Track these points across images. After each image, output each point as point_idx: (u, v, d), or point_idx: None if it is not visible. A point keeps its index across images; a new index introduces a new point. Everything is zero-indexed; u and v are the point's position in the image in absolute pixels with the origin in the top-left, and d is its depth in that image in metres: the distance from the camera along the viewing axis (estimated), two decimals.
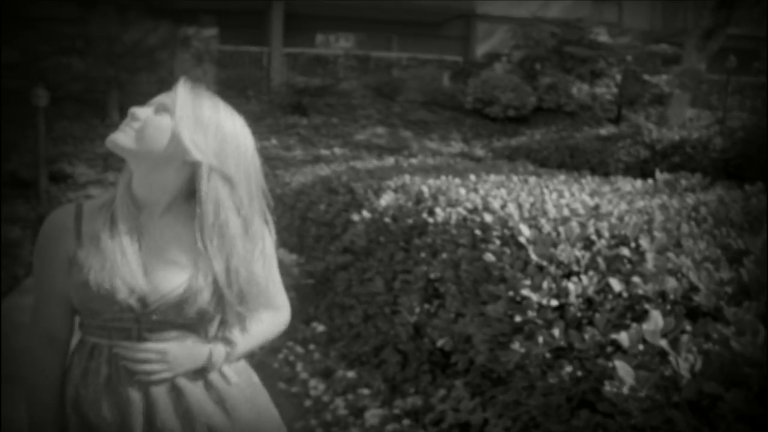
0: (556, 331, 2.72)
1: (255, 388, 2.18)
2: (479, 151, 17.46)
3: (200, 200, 1.94)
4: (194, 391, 2.02)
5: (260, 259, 2.05)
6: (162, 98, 1.98)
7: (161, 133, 1.93)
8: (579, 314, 2.76)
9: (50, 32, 17.62)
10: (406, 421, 4.17)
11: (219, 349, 2.04)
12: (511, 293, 2.94)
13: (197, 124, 1.94)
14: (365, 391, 4.66)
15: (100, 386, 1.99)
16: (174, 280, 1.95)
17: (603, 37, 22.43)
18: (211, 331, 2.06)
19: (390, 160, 8.22)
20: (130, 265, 1.94)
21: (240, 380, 2.11)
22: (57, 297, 2.02)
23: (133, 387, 1.97)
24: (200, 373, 2.04)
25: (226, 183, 1.95)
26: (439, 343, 3.96)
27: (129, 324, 1.95)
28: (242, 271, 1.98)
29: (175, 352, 1.98)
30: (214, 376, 2.05)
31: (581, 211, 3.26)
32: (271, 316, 2.23)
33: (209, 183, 1.94)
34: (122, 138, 1.94)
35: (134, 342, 1.96)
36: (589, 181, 4.64)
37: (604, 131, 17.49)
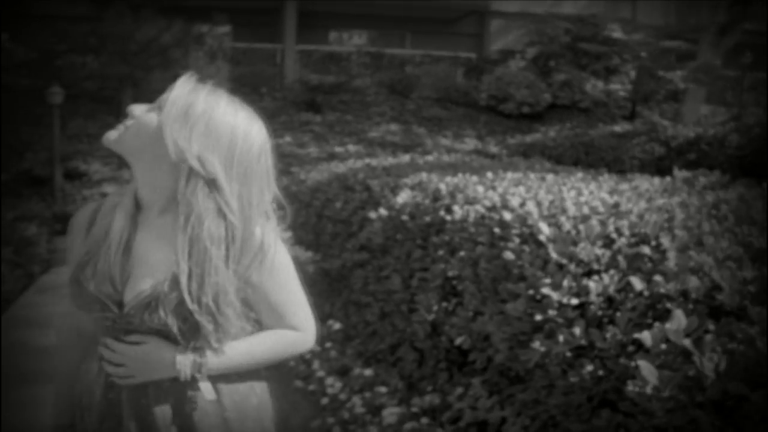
0: (576, 330, 2.70)
1: (240, 415, 2.00)
2: (493, 148, 17.45)
3: (179, 204, 1.85)
4: (162, 403, 1.93)
5: (256, 271, 1.92)
6: (163, 95, 1.91)
7: (145, 130, 1.87)
8: (600, 313, 2.74)
9: (65, 31, 17.72)
10: (424, 420, 4.16)
11: (185, 360, 1.90)
12: (531, 292, 2.93)
13: (184, 120, 1.84)
14: (382, 389, 4.65)
15: (90, 381, 2.01)
16: (146, 283, 1.88)
17: (617, 33, 22.35)
18: (192, 341, 1.90)
19: (406, 158, 8.20)
20: (109, 265, 1.90)
21: (225, 400, 1.98)
22: None
23: (109, 387, 1.96)
24: (176, 383, 1.92)
25: (208, 184, 1.83)
26: (458, 341, 3.95)
27: (110, 323, 1.93)
28: (213, 280, 1.83)
29: (135, 356, 1.90)
30: (190, 391, 1.93)
31: (601, 209, 3.25)
32: (277, 334, 2.05)
33: (188, 184, 1.84)
34: (111, 135, 1.92)
35: (113, 342, 1.93)
36: (607, 179, 4.62)
37: (618, 128, 17.45)
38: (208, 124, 1.85)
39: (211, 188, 1.84)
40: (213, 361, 1.93)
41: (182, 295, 1.81)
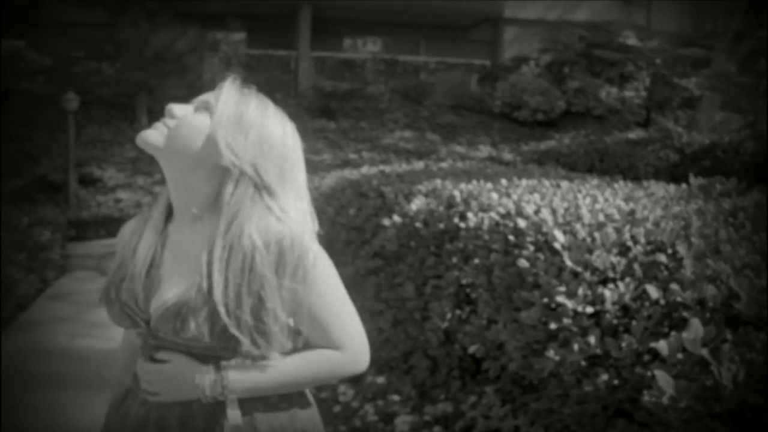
0: (591, 339, 2.68)
1: None
2: (507, 156, 17.41)
3: (220, 207, 1.78)
4: (188, 426, 1.82)
5: (301, 282, 1.78)
6: (206, 96, 1.86)
7: (196, 133, 1.79)
8: (615, 322, 2.71)
9: (80, 37, 17.83)
10: (436, 428, 4.14)
11: (205, 381, 1.79)
12: (545, 300, 2.90)
13: (238, 125, 1.80)
14: (395, 397, 4.63)
15: (121, 395, 1.97)
16: (171, 294, 1.79)
17: (632, 40, 22.31)
18: (233, 356, 1.80)
19: (420, 164, 8.18)
20: (133, 279, 1.84)
21: (261, 427, 1.85)
22: None
23: (141, 404, 1.89)
24: (204, 406, 1.82)
25: (259, 192, 1.79)
26: (471, 349, 3.92)
27: (142, 340, 1.89)
28: (254, 289, 1.73)
29: (159, 374, 1.83)
30: (219, 416, 1.81)
31: (616, 216, 3.21)
32: (316, 355, 1.88)
33: (236, 190, 1.78)
34: (152, 136, 1.81)
35: (146, 360, 1.87)
36: (622, 186, 4.58)
37: (633, 135, 17.42)
38: (261, 133, 1.82)
39: (263, 194, 1.80)
40: (238, 383, 1.80)
41: (215, 306, 1.71)
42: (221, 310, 1.71)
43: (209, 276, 1.73)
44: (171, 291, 1.80)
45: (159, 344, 1.84)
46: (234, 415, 1.81)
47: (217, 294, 1.71)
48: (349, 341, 1.90)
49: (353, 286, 6.22)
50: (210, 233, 1.78)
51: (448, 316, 4.26)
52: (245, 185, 1.78)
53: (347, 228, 6.21)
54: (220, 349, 1.78)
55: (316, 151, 17.36)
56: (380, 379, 4.94)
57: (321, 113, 19.96)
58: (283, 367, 1.84)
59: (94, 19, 17.76)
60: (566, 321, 2.77)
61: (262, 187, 1.79)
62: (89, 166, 15.57)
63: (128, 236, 1.97)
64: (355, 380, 5.03)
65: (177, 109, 1.84)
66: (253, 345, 1.75)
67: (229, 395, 1.80)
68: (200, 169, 1.81)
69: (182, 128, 1.81)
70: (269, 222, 1.78)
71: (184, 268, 1.81)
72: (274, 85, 20.58)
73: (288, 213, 1.81)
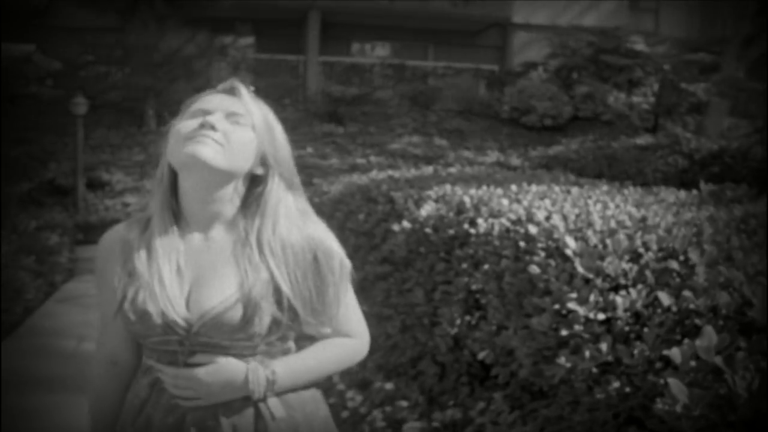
0: (603, 346, 2.66)
1: (312, 429, 1.95)
2: (515, 161, 17.39)
3: (263, 210, 1.86)
4: (230, 424, 1.84)
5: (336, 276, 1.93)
6: (224, 103, 1.87)
7: (248, 149, 1.85)
8: (627, 329, 2.70)
9: (90, 42, 17.91)
10: None
11: (258, 379, 1.83)
12: (556, 306, 2.89)
13: (271, 136, 1.89)
14: (403, 403, 4.61)
15: (135, 408, 1.93)
16: (219, 295, 1.80)
17: (640, 45, 22.27)
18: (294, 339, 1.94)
19: (429, 170, 8.16)
20: (165, 288, 1.81)
21: (297, 415, 1.91)
22: (115, 321, 1.89)
23: (169, 410, 1.87)
24: (246, 402, 1.85)
25: (290, 192, 1.91)
26: (481, 355, 3.91)
27: (174, 347, 1.84)
28: (316, 281, 1.87)
29: (204, 378, 1.81)
30: (261, 409, 1.86)
31: (628, 223, 3.20)
32: (338, 344, 2.02)
33: (275, 193, 1.87)
34: (207, 153, 1.78)
35: (180, 366, 1.83)
36: (632, 192, 4.58)
37: (641, 141, 17.40)
38: (284, 141, 1.93)
39: (293, 196, 1.92)
40: (285, 377, 1.88)
41: (285, 297, 1.82)
42: (295, 301, 1.83)
43: (270, 271, 1.82)
44: (216, 294, 1.81)
45: (197, 348, 1.83)
46: (276, 406, 1.88)
47: (285, 287, 1.82)
48: (356, 329, 2.07)
49: (361, 291, 6.21)
50: (251, 235, 1.86)
51: (458, 321, 4.25)
52: (282, 189, 1.89)
53: (356, 233, 6.20)
54: (259, 346, 1.85)
55: (324, 155, 17.36)
56: (388, 385, 4.91)
57: (329, 118, 19.96)
58: (316, 356, 1.97)
59: (103, 24, 17.83)
60: (577, 328, 2.76)
61: (292, 190, 1.92)
62: (97, 169, 15.60)
63: (118, 246, 1.93)
64: (363, 386, 5.01)
65: (217, 121, 1.82)
66: (324, 329, 1.94)
67: (278, 390, 1.88)
68: (235, 178, 1.86)
69: (237, 145, 1.83)
70: (308, 221, 1.92)
71: (217, 271, 1.85)
72: (283, 90, 20.62)
73: (307, 210, 1.95)
